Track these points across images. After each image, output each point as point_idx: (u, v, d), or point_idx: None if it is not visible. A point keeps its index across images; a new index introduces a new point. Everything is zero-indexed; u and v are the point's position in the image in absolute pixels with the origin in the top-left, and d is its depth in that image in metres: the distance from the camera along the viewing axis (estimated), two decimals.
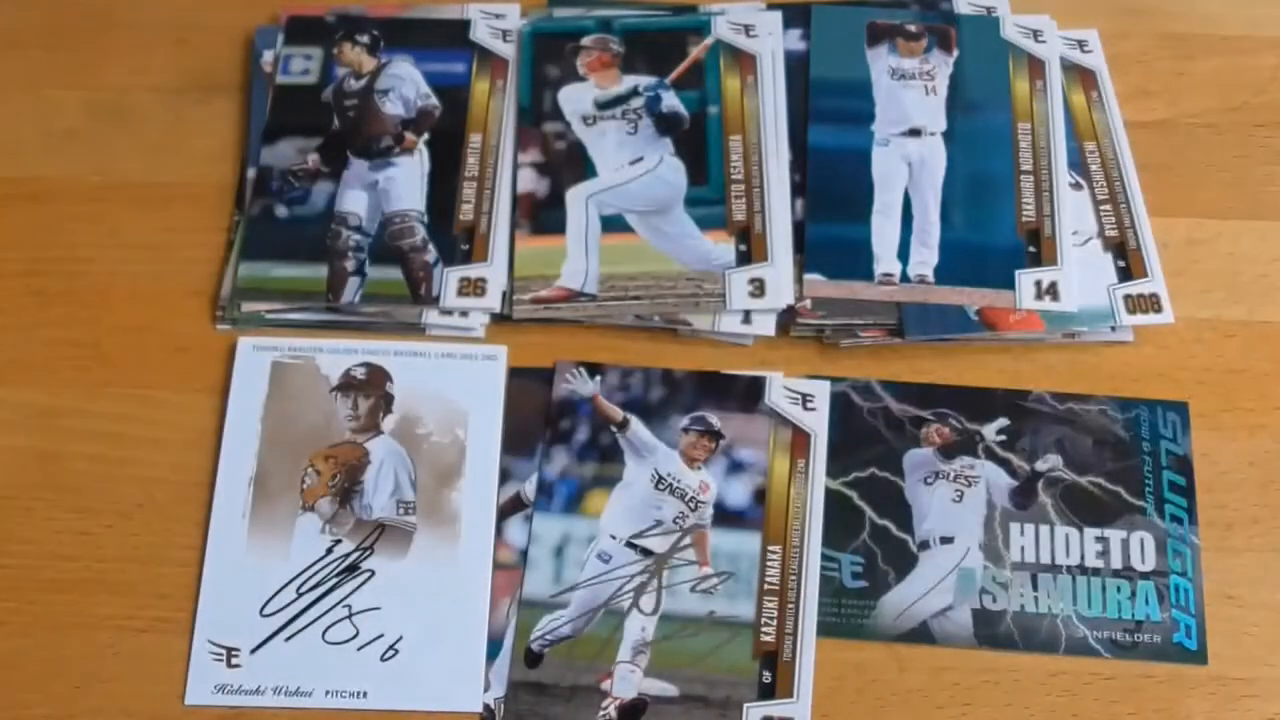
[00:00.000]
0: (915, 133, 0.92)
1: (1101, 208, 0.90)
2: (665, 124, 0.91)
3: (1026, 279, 0.86)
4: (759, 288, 0.86)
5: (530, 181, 0.90)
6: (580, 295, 0.86)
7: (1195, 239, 0.91)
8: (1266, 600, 0.79)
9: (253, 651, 0.78)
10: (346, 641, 0.78)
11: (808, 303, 0.86)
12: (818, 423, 0.83)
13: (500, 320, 0.87)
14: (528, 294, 0.86)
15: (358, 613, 0.79)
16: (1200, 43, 0.98)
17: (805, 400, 0.84)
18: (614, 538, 0.80)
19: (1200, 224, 0.91)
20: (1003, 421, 0.84)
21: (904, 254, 0.88)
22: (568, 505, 0.81)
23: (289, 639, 0.78)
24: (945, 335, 0.86)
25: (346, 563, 0.80)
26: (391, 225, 0.88)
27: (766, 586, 0.79)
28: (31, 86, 0.96)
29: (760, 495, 0.81)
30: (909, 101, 0.93)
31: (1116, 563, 0.80)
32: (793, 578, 0.79)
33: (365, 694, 0.77)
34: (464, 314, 0.86)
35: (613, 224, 0.89)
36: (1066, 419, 0.84)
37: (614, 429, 0.83)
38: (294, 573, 0.80)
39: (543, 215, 0.89)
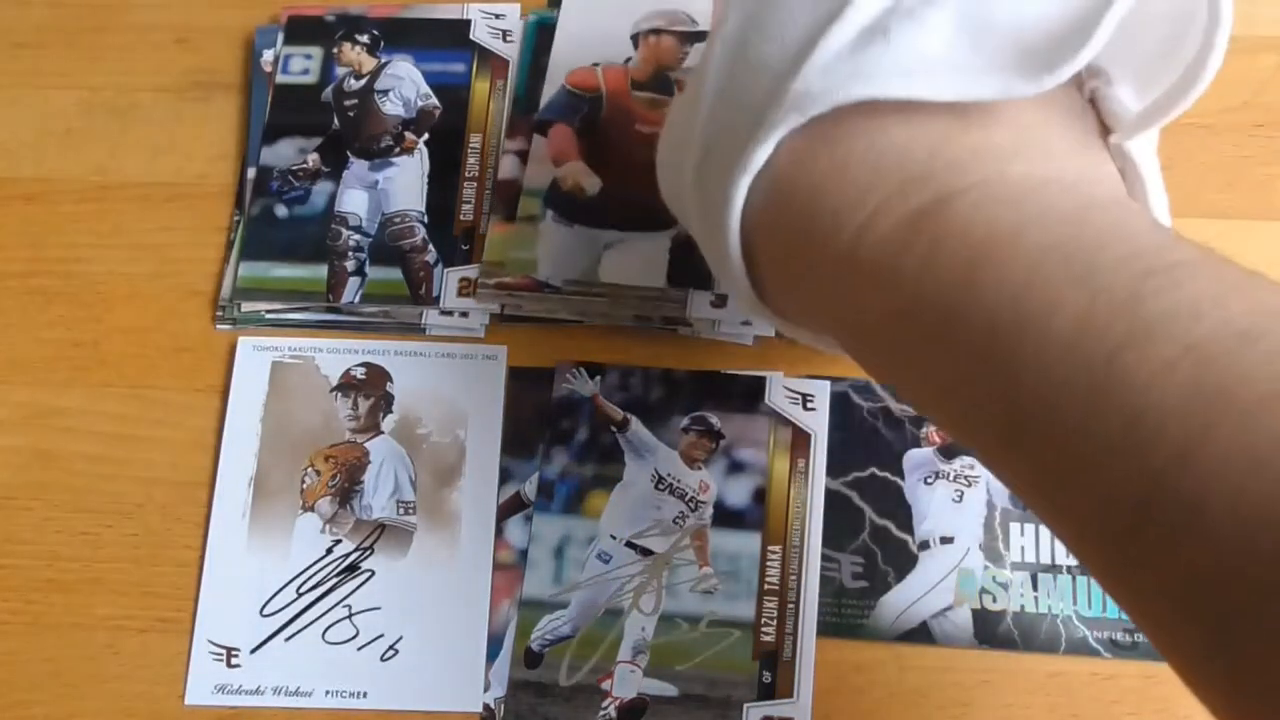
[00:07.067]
0: None
1: None
2: None
3: None
4: None
5: (511, 169, 0.89)
6: (545, 287, 0.84)
7: (1195, 239, 0.90)
8: None
9: (253, 651, 0.78)
10: (346, 641, 0.78)
11: None
12: (818, 423, 0.83)
13: (501, 320, 0.87)
14: (492, 279, 0.85)
15: (358, 613, 0.79)
16: None
17: (805, 400, 0.84)
18: (614, 538, 0.80)
19: (1200, 224, 0.91)
20: None
21: None
22: (568, 505, 0.81)
23: (289, 639, 0.78)
24: None
25: (346, 563, 0.80)
26: (391, 225, 0.88)
27: (766, 586, 0.79)
28: (31, 86, 0.95)
29: (760, 495, 0.81)
30: None
31: None
32: (793, 578, 0.79)
33: (365, 694, 0.77)
34: (464, 314, 0.86)
35: None
36: None
37: (614, 429, 0.83)
38: (294, 573, 0.80)
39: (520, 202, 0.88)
